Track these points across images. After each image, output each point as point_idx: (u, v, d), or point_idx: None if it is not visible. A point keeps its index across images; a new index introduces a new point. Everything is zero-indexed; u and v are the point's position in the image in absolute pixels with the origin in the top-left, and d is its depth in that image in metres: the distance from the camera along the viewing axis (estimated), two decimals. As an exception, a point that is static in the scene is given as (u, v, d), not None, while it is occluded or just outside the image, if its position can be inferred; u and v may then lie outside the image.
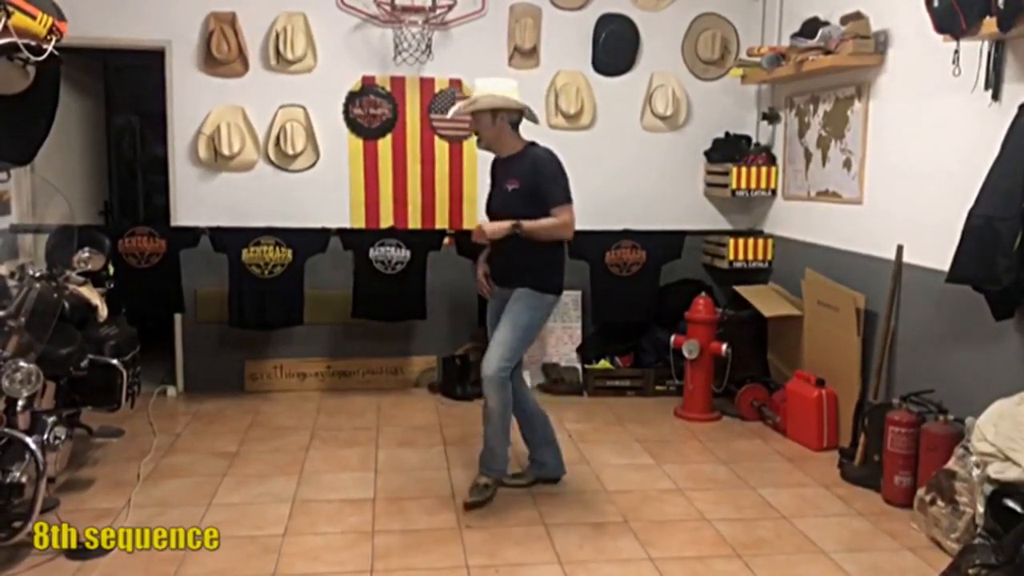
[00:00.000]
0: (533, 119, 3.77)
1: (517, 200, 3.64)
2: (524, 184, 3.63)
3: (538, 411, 3.94)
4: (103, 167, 6.51)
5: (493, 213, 3.75)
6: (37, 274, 3.26)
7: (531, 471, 3.93)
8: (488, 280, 3.84)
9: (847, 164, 4.64)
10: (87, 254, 3.55)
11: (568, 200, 3.63)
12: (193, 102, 5.22)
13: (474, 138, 3.88)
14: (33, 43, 3.45)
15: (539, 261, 3.66)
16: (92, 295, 3.93)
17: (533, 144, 3.73)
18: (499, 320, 3.70)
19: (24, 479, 2.92)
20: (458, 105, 3.82)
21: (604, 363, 5.53)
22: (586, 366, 5.56)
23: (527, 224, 3.56)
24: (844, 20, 4.44)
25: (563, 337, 5.67)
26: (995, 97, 3.52)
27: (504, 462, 3.76)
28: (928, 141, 3.98)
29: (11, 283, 3.41)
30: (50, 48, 3.51)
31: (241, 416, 4.93)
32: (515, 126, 3.71)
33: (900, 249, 4.11)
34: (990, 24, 3.24)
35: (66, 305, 3.56)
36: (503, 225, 3.59)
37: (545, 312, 3.72)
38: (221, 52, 5.15)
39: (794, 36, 4.78)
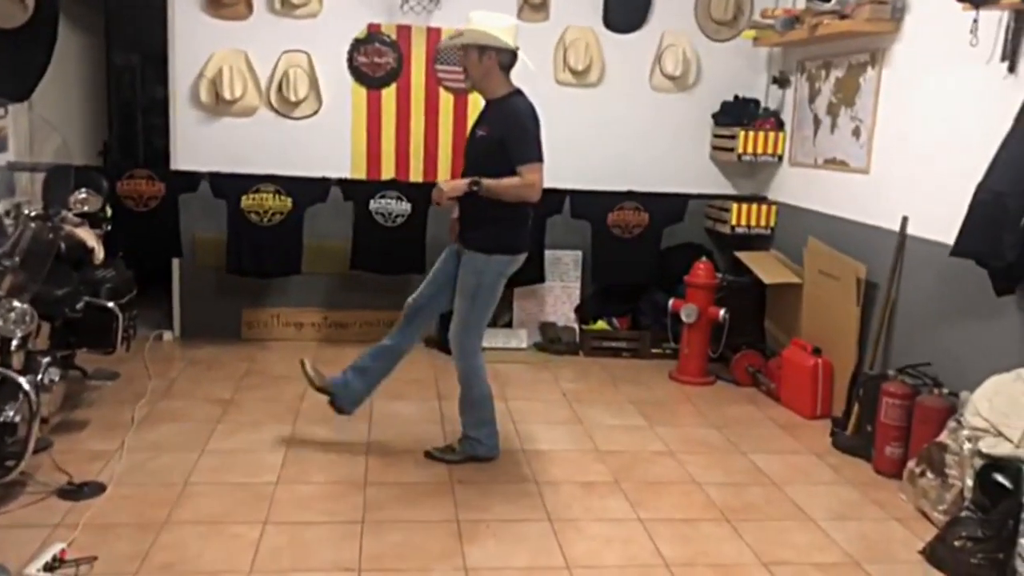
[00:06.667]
0: (527, 63, 3.52)
1: (483, 148, 3.47)
2: (493, 133, 3.44)
3: (389, 363, 3.77)
4: (102, 107, 6.43)
5: (466, 160, 3.63)
6: (33, 213, 3.22)
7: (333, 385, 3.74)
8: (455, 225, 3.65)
9: (856, 132, 4.58)
10: (84, 195, 3.51)
11: (536, 159, 3.41)
12: (195, 44, 5.12)
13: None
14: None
15: (491, 219, 3.45)
16: (89, 237, 3.89)
17: (519, 92, 3.50)
18: (445, 268, 3.64)
19: (17, 419, 2.92)
20: (445, 37, 3.63)
21: (601, 324, 5.53)
22: (583, 326, 5.55)
23: (487, 182, 3.36)
24: (861, -16, 4.35)
25: (561, 296, 5.66)
26: (1011, 69, 3.45)
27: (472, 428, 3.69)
28: (940, 112, 3.92)
29: (7, 222, 3.39)
30: (48, -18, 3.43)
31: (237, 363, 4.93)
32: (506, 69, 3.47)
33: (905, 220, 4.07)
34: (1011, -7, 3.17)
35: (62, 246, 3.53)
36: (460, 183, 3.42)
37: (495, 273, 3.51)
38: (225, -7, 5.05)
39: (809, -1, 4.69)
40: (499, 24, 3.42)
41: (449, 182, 3.51)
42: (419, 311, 3.69)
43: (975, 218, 3.28)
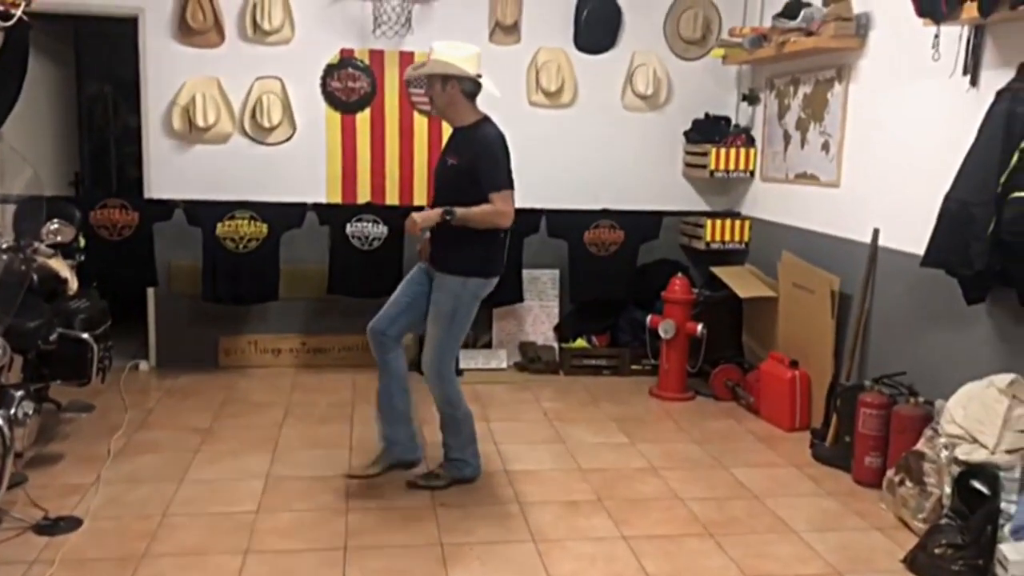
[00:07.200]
0: (491, 90, 3.52)
1: (453, 177, 3.49)
2: (462, 161, 3.46)
3: (402, 395, 3.66)
4: (74, 137, 6.39)
5: (436, 186, 3.66)
6: (4, 245, 3.19)
7: (385, 455, 3.63)
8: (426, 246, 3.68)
9: (825, 147, 4.65)
10: (56, 226, 3.48)
11: (507, 186, 3.43)
12: (167, 72, 5.12)
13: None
14: (1, 8, 3.36)
15: (466, 242, 3.46)
16: (62, 267, 3.86)
17: (486, 120, 3.53)
18: (412, 289, 3.62)
19: (-9, 454, 2.88)
20: (408, 69, 3.69)
21: (581, 342, 5.54)
22: (563, 345, 5.56)
23: (460, 211, 3.39)
24: (826, 2, 4.43)
25: (540, 316, 5.67)
26: (973, 83, 3.53)
27: (458, 451, 3.66)
28: (906, 125, 3.99)
29: (-23, 254, 3.34)
30: (19, 13, 3.43)
31: (215, 392, 4.88)
32: (471, 97, 3.50)
33: (876, 232, 4.14)
34: (970, 9, 3.25)
35: (35, 277, 3.49)
36: (433, 214, 3.43)
37: (470, 296, 3.51)
38: (196, 21, 5.05)
39: (776, 17, 4.77)
40: (459, 53, 3.45)
41: (421, 213, 3.51)
42: (385, 333, 3.61)
43: (943, 228, 3.33)
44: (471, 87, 3.48)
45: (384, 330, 3.61)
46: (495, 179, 3.41)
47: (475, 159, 3.43)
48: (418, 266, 3.70)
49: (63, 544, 3.00)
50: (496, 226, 3.46)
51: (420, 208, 5.25)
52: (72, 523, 3.15)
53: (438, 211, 3.43)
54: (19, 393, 3.14)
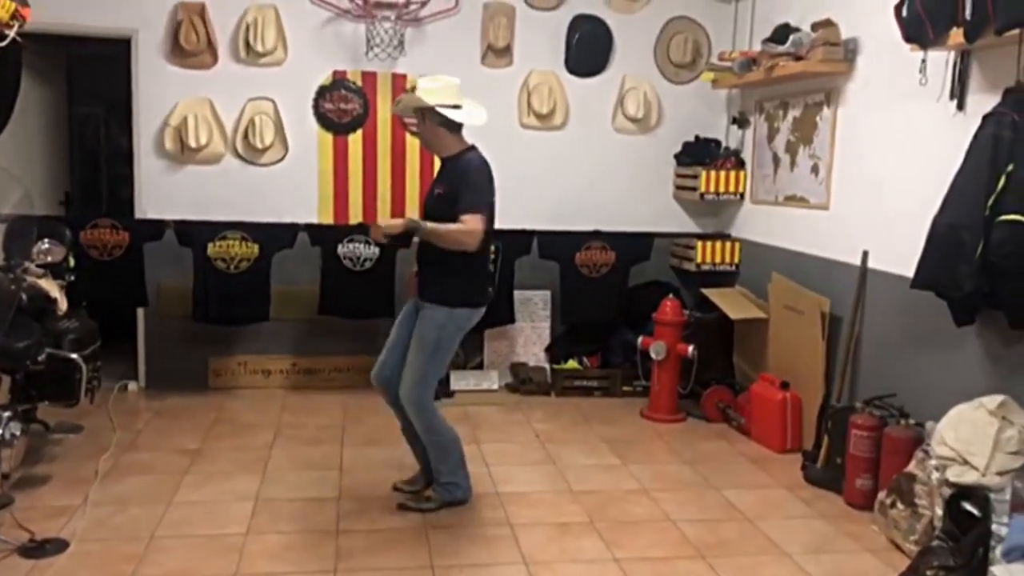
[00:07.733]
0: (468, 121, 3.49)
1: (441, 205, 3.45)
2: (448, 189, 3.46)
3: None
4: (64, 157, 6.38)
5: (424, 216, 3.62)
6: (-6, 265, 3.18)
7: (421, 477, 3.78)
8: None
9: (815, 170, 4.70)
10: (47, 245, 3.48)
11: (479, 209, 3.38)
12: (160, 93, 5.13)
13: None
14: (-6, 28, 3.37)
15: (451, 274, 3.46)
16: (51, 287, 3.85)
17: (472, 149, 3.54)
18: (407, 331, 3.59)
19: (-23, 475, 2.85)
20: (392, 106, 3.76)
21: (572, 363, 5.54)
22: (554, 366, 5.56)
23: (429, 225, 3.35)
24: (815, 27, 4.48)
25: (532, 337, 5.67)
26: (960, 107, 3.58)
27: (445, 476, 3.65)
28: (894, 149, 4.04)
29: (-33, 274, 3.33)
30: (12, 34, 3.43)
31: (204, 413, 4.85)
32: (451, 127, 3.50)
33: (865, 255, 4.16)
34: (957, 35, 3.30)
35: (24, 297, 3.48)
36: (397, 221, 3.38)
37: (455, 328, 3.50)
38: (190, 43, 5.07)
39: (765, 41, 4.83)
40: (431, 86, 3.48)
41: (386, 219, 3.49)
42: (391, 380, 3.60)
43: (932, 251, 3.36)
44: (440, 119, 3.47)
45: (390, 378, 3.62)
46: (470, 201, 3.38)
47: (457, 185, 3.44)
48: (408, 304, 3.69)
49: (49, 567, 2.97)
50: (461, 245, 3.38)
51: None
52: (59, 545, 3.11)
53: (403, 220, 3.40)
54: (6, 414, 3.13)
